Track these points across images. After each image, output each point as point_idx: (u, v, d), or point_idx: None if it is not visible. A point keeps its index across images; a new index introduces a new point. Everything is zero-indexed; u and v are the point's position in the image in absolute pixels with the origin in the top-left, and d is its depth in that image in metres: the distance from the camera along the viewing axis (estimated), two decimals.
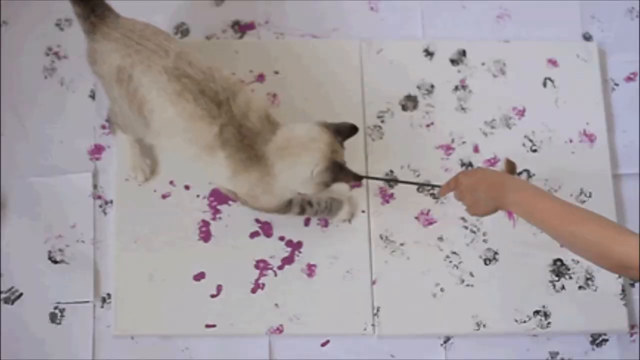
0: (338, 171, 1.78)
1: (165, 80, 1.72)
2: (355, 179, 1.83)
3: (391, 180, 2.06)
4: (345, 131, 1.82)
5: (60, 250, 2.02)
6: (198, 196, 2.05)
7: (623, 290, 2.04)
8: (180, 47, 1.76)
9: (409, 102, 2.16)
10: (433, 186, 2.01)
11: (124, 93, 1.77)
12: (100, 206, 2.06)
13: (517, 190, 1.65)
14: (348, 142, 2.11)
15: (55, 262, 2.01)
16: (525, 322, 2.00)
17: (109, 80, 1.80)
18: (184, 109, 1.72)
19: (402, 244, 2.04)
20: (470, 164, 2.11)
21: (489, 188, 1.69)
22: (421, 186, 2.05)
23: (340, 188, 2.04)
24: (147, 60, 1.73)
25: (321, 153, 1.76)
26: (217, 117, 1.73)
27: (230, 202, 2.05)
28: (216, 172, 1.79)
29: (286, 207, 1.94)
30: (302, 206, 1.96)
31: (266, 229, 2.04)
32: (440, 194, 1.85)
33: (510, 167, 1.80)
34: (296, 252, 2.03)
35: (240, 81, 1.79)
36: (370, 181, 2.08)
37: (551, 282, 2.04)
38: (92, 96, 2.13)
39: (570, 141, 2.15)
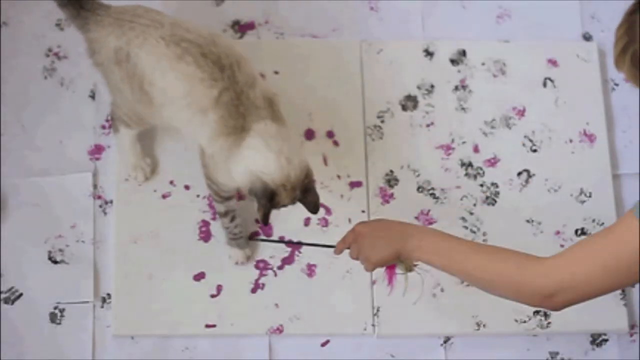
0: (268, 200, 1.66)
1: (163, 46, 1.71)
2: (263, 222, 1.69)
3: (281, 242, 2.01)
4: (307, 202, 1.70)
5: (60, 250, 2.02)
6: (198, 196, 2.05)
7: (623, 290, 2.04)
8: (175, 19, 1.76)
9: (409, 102, 2.16)
10: (326, 246, 1.84)
11: (125, 74, 1.77)
12: (100, 206, 2.06)
13: (420, 234, 1.61)
14: (348, 142, 2.12)
15: (55, 262, 2.01)
16: (525, 322, 2.00)
17: (108, 65, 1.80)
18: (183, 72, 1.71)
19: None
20: (470, 164, 2.12)
21: (390, 233, 1.63)
22: (315, 246, 1.90)
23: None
24: (142, 34, 1.73)
25: (277, 172, 1.66)
26: (218, 80, 1.70)
27: None
28: (199, 131, 1.74)
29: (220, 200, 1.89)
30: (227, 212, 1.92)
31: (266, 229, 2.04)
32: (336, 251, 1.75)
33: None
34: (296, 252, 2.03)
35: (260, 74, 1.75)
36: (370, 180, 2.08)
37: None
38: (92, 96, 2.13)
39: (570, 141, 2.15)
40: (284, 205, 1.71)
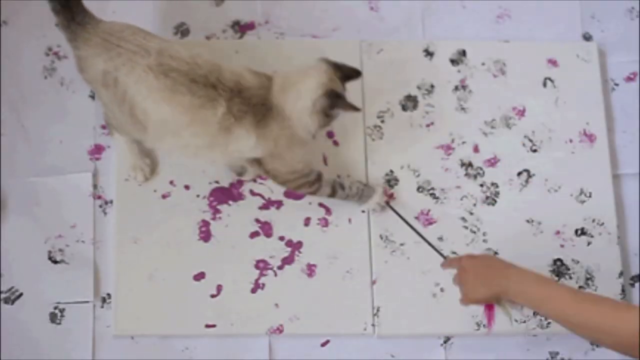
0: (335, 98, 1.79)
1: (152, 78, 1.72)
2: (354, 109, 1.81)
3: (407, 224, 2.02)
4: (346, 71, 1.83)
5: (60, 250, 2.02)
6: (198, 196, 2.05)
7: (623, 290, 2.04)
8: (160, 43, 1.76)
9: (409, 102, 2.16)
10: (439, 252, 1.96)
11: (112, 97, 1.78)
12: (100, 206, 2.06)
13: (522, 279, 1.63)
14: (348, 142, 2.12)
15: (55, 262, 2.01)
16: (525, 322, 2.00)
17: (96, 86, 1.81)
18: (180, 104, 1.73)
19: (402, 244, 2.04)
20: (470, 164, 2.12)
21: (491, 273, 1.67)
22: (431, 247, 1.99)
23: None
24: (130, 62, 1.73)
25: (319, 79, 1.78)
26: (217, 98, 1.73)
27: (230, 202, 2.05)
28: (238, 148, 1.79)
29: (317, 185, 1.93)
30: (333, 187, 1.96)
31: (266, 229, 2.04)
32: (444, 266, 1.85)
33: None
34: (296, 252, 2.03)
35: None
36: (370, 180, 2.08)
37: None
38: (92, 96, 2.13)
39: (570, 141, 2.15)
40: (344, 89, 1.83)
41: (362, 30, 2.23)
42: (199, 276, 2.01)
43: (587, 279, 2.05)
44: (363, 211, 2.06)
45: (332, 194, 1.97)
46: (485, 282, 1.67)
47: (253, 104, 1.77)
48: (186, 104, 1.73)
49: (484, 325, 1.80)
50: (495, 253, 2.05)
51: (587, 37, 2.26)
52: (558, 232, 2.08)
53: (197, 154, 1.84)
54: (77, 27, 1.78)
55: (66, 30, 1.79)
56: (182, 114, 1.74)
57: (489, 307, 1.71)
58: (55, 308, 1.99)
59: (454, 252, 2.03)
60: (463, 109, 2.16)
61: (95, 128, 2.12)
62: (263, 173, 1.93)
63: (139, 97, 1.74)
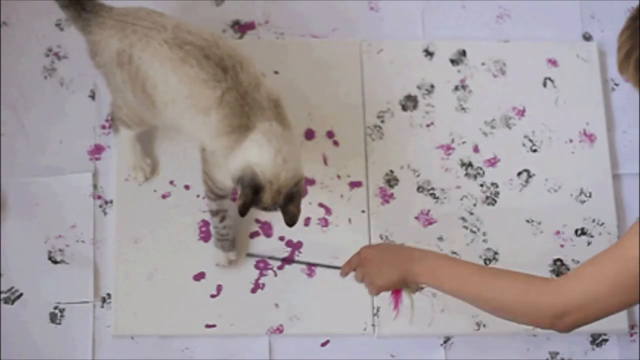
0: (251, 191, 1.65)
1: (166, 49, 1.71)
2: (240, 213, 1.66)
3: (278, 260, 2.00)
4: (287, 211, 1.68)
5: (60, 250, 2.02)
6: (198, 196, 2.05)
7: None
8: (178, 21, 1.76)
9: (409, 102, 2.16)
10: (332, 267, 1.83)
11: (127, 76, 1.77)
12: (100, 206, 2.06)
13: (426, 258, 1.61)
14: (348, 142, 2.12)
15: (55, 262, 2.01)
16: None
17: (110, 67, 1.80)
18: (186, 74, 1.71)
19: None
20: (470, 164, 2.12)
21: (395, 257, 1.64)
22: (320, 266, 1.92)
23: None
24: (145, 37, 1.73)
25: (269, 167, 1.65)
26: (222, 81, 1.70)
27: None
28: (202, 130, 1.74)
29: (213, 197, 1.89)
30: (218, 212, 1.92)
31: (266, 229, 2.04)
32: (342, 273, 1.76)
33: None
34: (296, 252, 2.03)
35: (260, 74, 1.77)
36: (370, 180, 2.08)
37: None
38: (92, 96, 2.13)
39: (570, 141, 2.15)
40: (265, 208, 1.69)
41: (362, 30, 2.23)
42: (199, 276, 2.00)
43: None
44: (363, 211, 2.06)
45: (212, 214, 1.94)
46: (390, 266, 1.63)
47: (245, 110, 1.70)
48: (192, 76, 1.70)
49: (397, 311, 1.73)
50: (496, 253, 2.04)
51: (587, 37, 2.26)
52: (558, 232, 2.08)
53: (180, 126, 1.80)
54: (89, 14, 1.78)
55: (77, 21, 1.80)
56: (185, 83, 1.71)
57: (396, 292, 1.69)
58: (55, 308, 1.99)
59: (454, 252, 2.03)
60: (463, 109, 2.16)
61: (95, 128, 2.11)
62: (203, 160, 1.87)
63: (151, 70, 1.73)
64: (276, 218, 2.02)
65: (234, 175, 1.69)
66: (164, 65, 1.72)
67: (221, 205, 1.92)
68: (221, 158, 1.74)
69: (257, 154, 1.66)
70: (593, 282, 1.43)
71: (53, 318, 1.98)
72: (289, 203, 1.67)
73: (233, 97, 1.70)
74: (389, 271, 1.63)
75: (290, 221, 1.69)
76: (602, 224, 2.09)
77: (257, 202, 1.67)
